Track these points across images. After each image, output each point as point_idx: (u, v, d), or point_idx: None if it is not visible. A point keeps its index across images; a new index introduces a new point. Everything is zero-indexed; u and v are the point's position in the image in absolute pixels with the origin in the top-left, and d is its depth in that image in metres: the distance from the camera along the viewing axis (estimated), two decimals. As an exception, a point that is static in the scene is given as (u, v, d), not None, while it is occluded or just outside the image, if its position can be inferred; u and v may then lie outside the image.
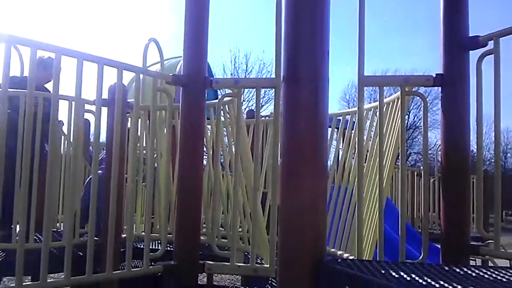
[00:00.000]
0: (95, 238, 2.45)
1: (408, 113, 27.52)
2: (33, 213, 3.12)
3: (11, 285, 1.95)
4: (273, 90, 2.35)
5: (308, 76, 1.30)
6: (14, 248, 3.20)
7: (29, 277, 3.17)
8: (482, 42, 2.06)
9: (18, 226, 2.99)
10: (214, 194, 2.92)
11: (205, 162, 3.36)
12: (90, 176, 3.41)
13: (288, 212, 1.22)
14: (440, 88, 2.14)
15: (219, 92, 6.59)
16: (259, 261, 2.73)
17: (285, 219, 1.22)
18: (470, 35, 2.13)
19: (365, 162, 2.63)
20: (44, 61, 4.02)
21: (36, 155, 2.88)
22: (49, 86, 4.20)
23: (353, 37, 2.07)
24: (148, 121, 3.41)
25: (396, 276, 0.93)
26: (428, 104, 2.56)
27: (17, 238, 2.11)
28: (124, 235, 3.00)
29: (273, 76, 2.35)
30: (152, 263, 2.40)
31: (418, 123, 29.70)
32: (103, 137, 3.61)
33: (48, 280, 2.04)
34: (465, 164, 2.15)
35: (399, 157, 2.39)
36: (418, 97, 2.29)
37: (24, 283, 1.99)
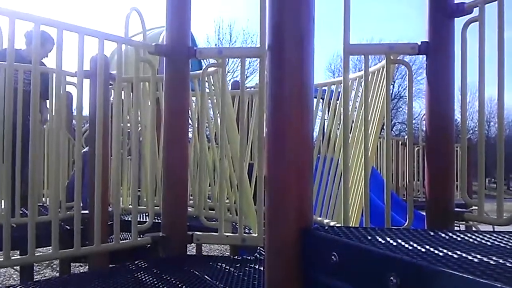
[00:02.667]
0: (82, 212, 2.44)
1: (392, 83, 27.62)
2: (18, 188, 3.10)
3: (0, 259, 1.94)
4: (258, 60, 2.33)
5: (293, 44, 1.28)
6: (0, 223, 3.19)
7: (18, 252, 3.17)
8: (467, 9, 2.05)
9: (3, 202, 2.97)
10: (200, 166, 2.92)
11: (190, 134, 3.34)
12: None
13: (274, 182, 1.22)
14: (425, 56, 2.14)
15: (203, 62, 6.53)
16: (247, 231, 2.75)
17: (271, 189, 1.22)
18: (456, 1, 2.12)
19: (350, 132, 2.64)
20: (42, 36, 3.93)
21: (18, 129, 2.84)
22: (45, 61, 4.13)
23: (338, 5, 2.05)
24: (131, 93, 3.36)
25: (383, 241, 0.94)
26: (413, 74, 2.56)
27: (3, 213, 2.10)
28: (111, 209, 2.99)
29: (258, 46, 2.32)
30: (140, 235, 2.40)
31: (403, 93, 29.87)
32: (86, 110, 3.56)
33: (36, 254, 2.04)
34: (449, 132, 2.17)
35: (384, 127, 2.40)
36: (402, 67, 2.29)
37: (12, 258, 1.99)
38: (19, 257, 2.32)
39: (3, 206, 2.78)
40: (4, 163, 2.06)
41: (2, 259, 1.92)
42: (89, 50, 2.46)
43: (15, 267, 5.54)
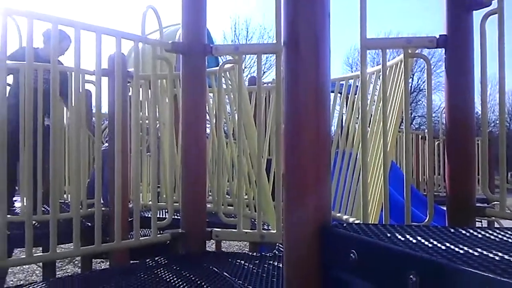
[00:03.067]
0: (103, 209, 2.47)
1: (412, 75, 27.29)
2: (40, 186, 3.15)
3: (22, 256, 1.98)
4: (275, 56, 2.32)
5: (309, 40, 1.27)
6: (23, 220, 3.24)
7: (40, 248, 3.22)
8: (486, 1, 2.01)
9: (25, 199, 3.02)
10: (218, 162, 2.92)
11: (208, 130, 3.35)
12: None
13: (292, 179, 1.22)
14: (443, 49, 2.11)
15: (220, 58, 6.54)
16: (265, 227, 2.76)
17: (289, 185, 1.22)
18: (474, -6, 2.08)
19: (369, 127, 2.62)
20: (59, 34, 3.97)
21: (39, 127, 2.89)
22: (62, 59, 4.17)
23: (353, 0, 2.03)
24: (149, 90, 3.39)
25: (402, 239, 0.93)
26: (432, 67, 2.52)
27: (25, 211, 2.13)
28: (131, 205, 3.02)
29: (275, 41, 2.31)
30: (160, 232, 2.42)
31: (422, 86, 29.45)
32: (105, 108, 3.59)
33: (58, 251, 2.07)
34: (470, 126, 2.14)
35: (403, 121, 2.37)
36: (422, 60, 2.26)
37: (35, 255, 2.02)
38: (41, 254, 2.35)
39: (25, 204, 2.83)
40: (25, 161, 2.10)
41: (24, 256, 1.95)
42: (106, 49, 2.48)
43: (38, 264, 5.66)
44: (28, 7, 2.00)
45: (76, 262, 6.30)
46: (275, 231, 2.32)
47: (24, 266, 6.06)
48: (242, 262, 2.23)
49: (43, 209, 3.35)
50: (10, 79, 3.79)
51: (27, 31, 1.96)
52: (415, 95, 30.13)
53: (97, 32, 2.15)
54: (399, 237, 0.95)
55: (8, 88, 3.75)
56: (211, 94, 3.47)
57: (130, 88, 3.53)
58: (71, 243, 2.14)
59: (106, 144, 3.88)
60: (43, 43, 4.31)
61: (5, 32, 1.89)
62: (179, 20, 2.48)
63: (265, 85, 4.50)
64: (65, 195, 4.41)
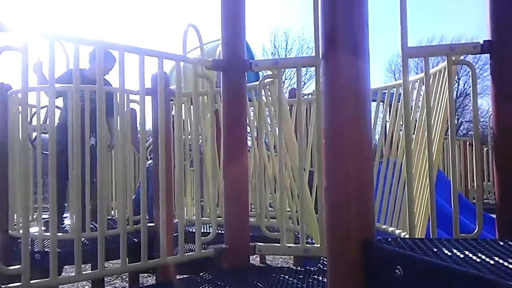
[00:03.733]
0: (149, 225, 2.52)
1: (457, 80, 26.52)
2: (88, 203, 3.24)
3: (72, 274, 2.04)
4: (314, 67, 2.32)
5: (347, 51, 1.27)
6: (72, 237, 3.34)
7: (90, 265, 3.31)
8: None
9: (74, 217, 3.11)
10: (260, 176, 2.93)
11: (249, 144, 3.37)
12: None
13: (334, 193, 1.20)
14: (488, 54, 2.05)
15: (260, 72, 6.58)
16: (309, 240, 2.73)
17: (331, 199, 1.21)
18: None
19: (413, 134, 2.56)
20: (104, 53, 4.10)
21: (86, 145, 2.98)
22: (107, 77, 4.30)
23: (395, 4, 2.00)
24: (191, 107, 3.44)
25: (449, 253, 0.91)
26: (478, 71, 2.46)
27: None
28: (176, 220, 3.07)
29: (314, 53, 2.31)
30: (204, 246, 2.44)
31: (469, 90, 28.54)
32: (149, 126, 3.68)
33: (106, 267, 2.12)
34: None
35: (449, 128, 2.31)
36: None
37: (84, 272, 2.08)
38: (90, 271, 2.41)
39: (74, 221, 2.92)
40: (74, 180, 2.17)
41: (74, 274, 2.01)
42: (149, 68, 2.54)
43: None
44: (74, 29, 2.08)
45: (124, 277, 6.42)
46: (319, 245, 2.30)
47: (73, 283, 6.23)
48: (287, 276, 2.21)
49: (91, 226, 3.45)
50: (60, 102, 3.93)
51: (74, 56, 2.04)
52: (461, 100, 29.27)
53: (140, 54, 2.22)
54: (446, 252, 0.92)
55: (58, 111, 3.89)
56: (251, 108, 3.49)
57: (173, 106, 3.60)
58: (119, 259, 2.19)
59: (151, 161, 3.96)
60: (88, 62, 4.46)
61: (53, 58, 1.97)
62: (219, 35, 2.52)
63: (305, 97, 4.49)
64: (112, 211, 4.52)
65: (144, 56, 2.22)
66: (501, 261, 0.83)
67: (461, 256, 0.88)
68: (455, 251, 0.93)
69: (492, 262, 0.83)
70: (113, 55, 3.96)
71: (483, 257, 0.87)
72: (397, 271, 0.93)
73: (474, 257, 0.87)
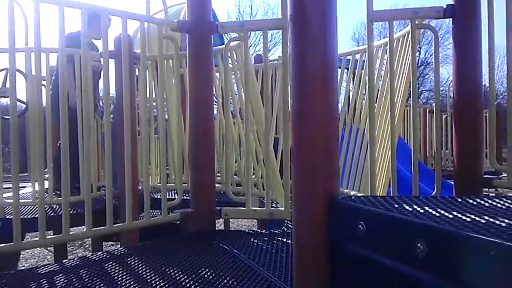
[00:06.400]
0: (114, 191, 2.50)
1: (419, 49, 26.92)
2: (50, 172, 3.18)
3: (35, 239, 2.01)
4: (280, 32, 2.31)
5: (316, 14, 1.26)
6: (34, 204, 3.29)
7: (51, 232, 3.27)
8: (493, -32, 1.98)
9: (36, 183, 3.06)
10: (226, 142, 2.94)
11: (215, 110, 3.36)
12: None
13: (300, 154, 1.22)
14: (451, 20, 2.09)
15: (225, 37, 6.50)
16: (274, 205, 2.78)
17: (298, 161, 1.23)
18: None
19: (376, 102, 2.61)
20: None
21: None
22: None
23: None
24: (156, 71, 3.39)
25: (410, 209, 0.94)
26: (440, 39, 2.50)
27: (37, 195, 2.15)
28: (141, 187, 3.05)
29: (280, 17, 2.30)
30: (170, 212, 2.45)
31: (430, 60, 29.11)
32: (112, 90, 3.60)
33: (71, 233, 2.10)
34: (478, 98, 2.12)
35: (411, 95, 2.36)
36: (429, 32, 2.24)
37: (48, 237, 2.05)
38: (54, 236, 2.39)
39: (37, 188, 2.87)
40: (37, 146, 2.12)
41: (37, 238, 1.98)
42: (111, 30, 2.46)
43: (49, 249, 5.75)
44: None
45: (87, 246, 6.39)
46: (283, 208, 2.35)
47: (35, 252, 6.17)
48: (252, 239, 2.25)
49: (53, 193, 3.40)
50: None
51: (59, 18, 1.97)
52: (422, 69, 29.82)
53: (103, 13, 2.15)
54: (407, 207, 0.96)
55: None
56: (217, 74, 3.46)
57: (137, 70, 3.53)
58: (82, 226, 2.17)
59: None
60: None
61: (38, 20, 1.89)
62: (183, -1, 2.47)
63: (271, 62, 4.47)
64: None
65: (108, 16, 2.16)
66: (459, 215, 0.87)
67: (421, 211, 0.92)
68: (415, 206, 0.97)
69: (450, 216, 0.87)
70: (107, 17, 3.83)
71: (442, 211, 0.90)
72: (360, 226, 0.96)
73: (434, 212, 0.90)
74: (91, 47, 3.95)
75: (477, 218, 0.83)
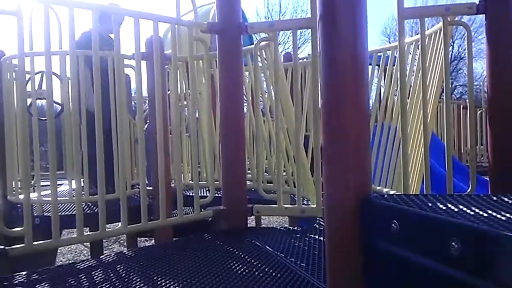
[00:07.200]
0: (147, 188, 2.55)
1: (452, 43, 26.32)
2: (86, 170, 3.27)
3: (73, 235, 2.08)
4: (309, 30, 2.31)
5: (345, 12, 1.26)
6: (72, 202, 3.38)
7: (87, 229, 3.36)
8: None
9: (73, 181, 3.14)
10: (256, 140, 2.95)
11: (245, 109, 3.38)
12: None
13: (331, 152, 1.23)
14: (484, 15, 2.05)
15: (254, 37, 6.52)
16: (305, 202, 2.78)
17: (329, 159, 1.23)
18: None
19: (408, 98, 2.58)
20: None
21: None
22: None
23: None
24: (186, 72, 3.43)
25: (443, 208, 0.94)
26: (473, 33, 2.45)
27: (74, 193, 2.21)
28: (173, 185, 3.11)
29: (309, 15, 2.30)
30: (202, 209, 2.49)
31: (463, 54, 28.41)
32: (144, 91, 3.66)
33: (106, 230, 2.16)
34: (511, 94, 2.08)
35: (444, 91, 2.33)
36: (462, 27, 2.20)
37: (85, 234, 2.12)
38: (90, 233, 2.46)
39: (73, 186, 2.95)
40: (73, 145, 2.18)
41: (75, 235, 2.05)
42: (142, 32, 2.50)
43: (85, 244, 5.90)
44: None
45: (122, 241, 6.53)
46: (315, 206, 2.35)
47: (72, 247, 6.33)
48: (284, 236, 2.27)
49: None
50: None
51: (68, 20, 2.02)
52: (455, 64, 29.15)
53: (134, 17, 2.19)
54: (441, 206, 0.95)
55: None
56: (246, 73, 3.49)
57: (168, 71, 3.59)
58: (117, 223, 2.23)
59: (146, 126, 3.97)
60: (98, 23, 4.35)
61: (48, 22, 1.95)
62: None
63: (301, 61, 4.46)
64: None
65: (139, 19, 2.20)
66: (494, 214, 0.86)
67: (455, 210, 0.92)
68: (449, 205, 0.96)
69: (485, 214, 0.86)
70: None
71: (477, 210, 0.90)
72: (393, 225, 0.96)
73: (468, 211, 0.90)
74: (110, 42, 3.98)
75: (513, 217, 0.82)
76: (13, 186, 3.61)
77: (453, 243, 0.78)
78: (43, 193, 3.34)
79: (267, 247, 2.05)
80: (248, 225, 2.57)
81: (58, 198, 2.60)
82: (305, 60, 4.25)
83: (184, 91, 3.75)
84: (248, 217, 2.53)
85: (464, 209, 0.92)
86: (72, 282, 1.64)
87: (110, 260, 1.92)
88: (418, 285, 0.92)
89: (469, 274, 0.76)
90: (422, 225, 0.89)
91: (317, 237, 2.24)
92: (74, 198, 2.96)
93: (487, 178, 2.14)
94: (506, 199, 1.03)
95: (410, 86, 2.76)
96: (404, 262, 0.94)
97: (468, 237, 0.76)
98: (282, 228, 2.57)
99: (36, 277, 1.69)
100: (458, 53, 29.24)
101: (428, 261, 0.85)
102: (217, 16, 2.48)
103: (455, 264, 0.78)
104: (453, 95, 24.98)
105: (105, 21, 3.76)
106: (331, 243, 1.22)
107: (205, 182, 3.49)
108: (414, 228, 0.92)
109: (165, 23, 2.50)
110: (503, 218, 0.82)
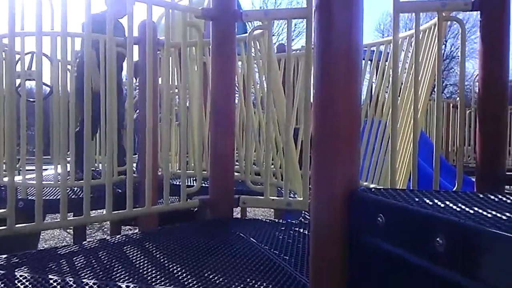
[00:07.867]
0: (134, 176, 2.53)
1: (444, 42, 26.45)
2: (72, 155, 3.23)
3: (56, 220, 2.05)
4: (303, 23, 2.29)
5: (341, 3, 1.25)
6: (56, 186, 3.34)
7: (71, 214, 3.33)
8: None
9: (59, 166, 3.11)
10: (246, 131, 2.94)
11: (236, 99, 3.36)
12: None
13: (321, 145, 1.22)
14: (479, 13, 2.05)
15: (248, 26, 6.48)
16: (292, 195, 2.78)
17: (318, 151, 1.22)
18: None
19: (399, 95, 2.58)
20: None
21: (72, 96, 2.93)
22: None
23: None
24: (179, 58, 3.40)
25: (430, 203, 0.94)
26: (466, 32, 2.45)
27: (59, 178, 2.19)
28: (161, 173, 3.08)
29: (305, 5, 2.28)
30: (188, 199, 2.47)
31: (455, 53, 28.59)
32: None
33: (91, 215, 2.13)
34: (503, 94, 2.09)
35: (435, 89, 2.33)
36: (455, 26, 2.20)
37: (68, 218, 2.09)
38: (75, 217, 2.43)
39: (59, 171, 2.91)
40: (59, 130, 2.15)
41: (59, 220, 2.02)
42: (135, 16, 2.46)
43: (68, 231, 5.86)
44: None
45: (105, 229, 6.49)
46: (301, 199, 2.35)
47: (54, 233, 6.29)
48: (268, 228, 2.26)
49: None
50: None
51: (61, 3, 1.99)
52: (447, 63, 29.30)
53: (129, 0, 2.16)
54: (427, 201, 0.95)
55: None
56: (239, 62, 3.46)
57: (160, 57, 3.55)
58: (102, 209, 2.21)
59: (137, 113, 3.94)
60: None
61: (40, 3, 1.91)
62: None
63: (294, 52, 4.44)
64: (95, 164, 4.50)
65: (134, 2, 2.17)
66: (480, 210, 0.86)
67: (442, 205, 0.91)
68: (436, 201, 0.96)
69: (471, 211, 0.86)
70: None
71: (463, 206, 0.90)
72: (379, 219, 0.96)
73: (454, 207, 0.90)
74: (118, 27, 3.94)
75: (498, 215, 0.82)
76: (-3, 169, 3.57)
77: (438, 239, 0.78)
78: (28, 176, 3.30)
79: (252, 238, 2.04)
80: (234, 217, 2.56)
81: (43, 182, 2.57)
82: (298, 51, 4.22)
83: (176, 79, 3.72)
84: (234, 209, 2.52)
85: (450, 205, 0.91)
86: (53, 267, 1.62)
87: (92, 246, 1.89)
88: (402, 279, 0.92)
89: (453, 270, 0.75)
90: (407, 219, 0.88)
91: (301, 230, 2.24)
92: (59, 182, 2.92)
93: (473, 179, 2.15)
94: (492, 197, 1.03)
95: (402, 82, 2.76)
96: (389, 257, 0.94)
97: (454, 233, 0.76)
98: (267, 221, 2.56)
99: (16, 260, 1.66)
100: (451, 52, 29.39)
101: (413, 256, 0.85)
102: (212, 2, 2.45)
103: (439, 259, 0.78)
104: (443, 94, 25.12)
105: (113, 4, 3.74)
106: (316, 236, 1.21)
107: (192, 171, 3.48)
108: (400, 223, 0.91)
109: (159, 8, 2.46)
110: (489, 215, 0.82)
